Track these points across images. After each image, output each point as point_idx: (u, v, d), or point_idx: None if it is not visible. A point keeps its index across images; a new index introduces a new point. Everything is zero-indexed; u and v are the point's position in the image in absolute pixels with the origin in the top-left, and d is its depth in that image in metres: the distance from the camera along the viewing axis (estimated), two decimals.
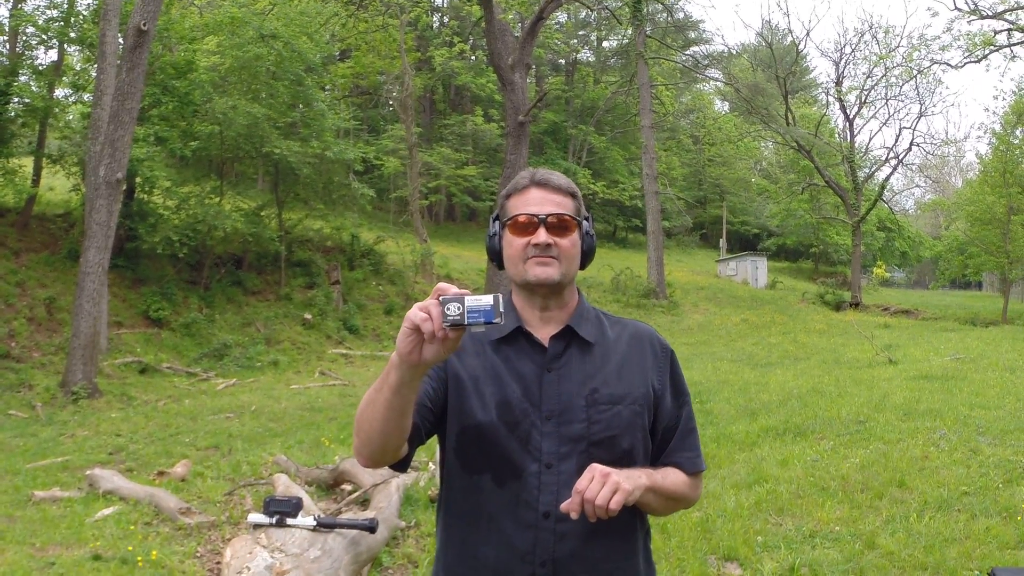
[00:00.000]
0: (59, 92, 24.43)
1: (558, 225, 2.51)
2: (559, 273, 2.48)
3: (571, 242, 2.53)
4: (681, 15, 59.86)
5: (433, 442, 2.59)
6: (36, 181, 23.48)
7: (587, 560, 2.44)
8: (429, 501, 8.16)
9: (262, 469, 9.84)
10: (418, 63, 43.95)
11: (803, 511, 7.55)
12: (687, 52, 56.83)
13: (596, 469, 2.28)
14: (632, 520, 2.52)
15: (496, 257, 2.65)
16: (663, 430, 2.58)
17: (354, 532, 6.18)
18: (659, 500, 2.49)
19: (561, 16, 58.16)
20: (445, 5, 57.53)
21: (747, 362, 20.42)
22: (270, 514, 4.83)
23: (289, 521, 4.74)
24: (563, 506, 2.29)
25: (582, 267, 2.61)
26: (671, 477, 2.54)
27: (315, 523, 4.78)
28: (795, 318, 33.07)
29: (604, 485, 2.24)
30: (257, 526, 4.84)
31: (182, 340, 20.98)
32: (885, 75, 43.19)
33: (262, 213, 25.97)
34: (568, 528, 2.40)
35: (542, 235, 2.49)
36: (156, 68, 21.99)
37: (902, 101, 68.29)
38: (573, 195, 2.61)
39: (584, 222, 2.61)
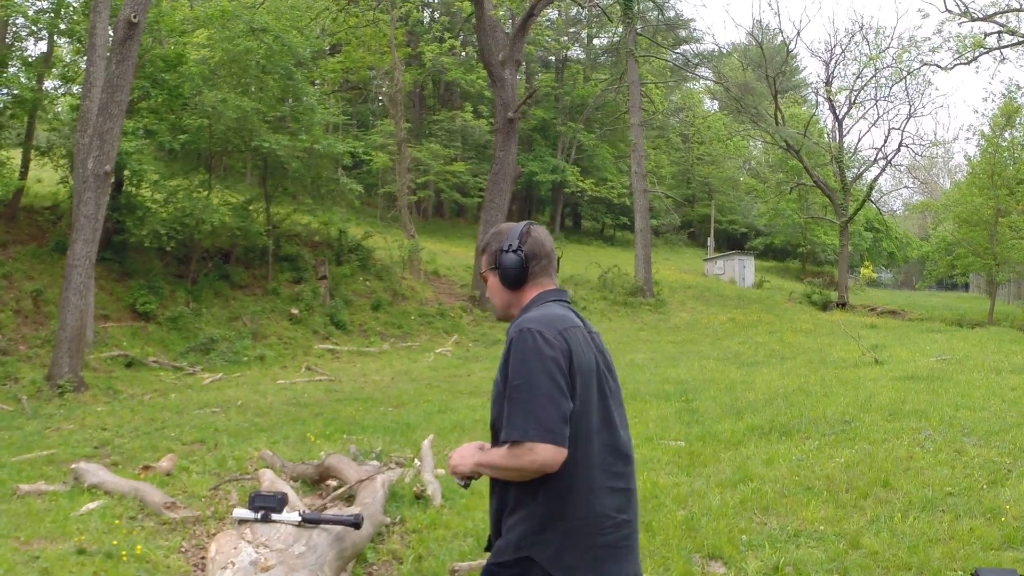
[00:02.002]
0: (48, 84, 24.34)
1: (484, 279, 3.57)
2: (496, 312, 3.57)
3: (490, 285, 3.51)
4: (672, 13, 60.00)
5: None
6: (24, 173, 23.41)
7: (490, 508, 3.39)
8: (414, 497, 8.17)
9: (248, 464, 9.83)
10: (408, 58, 43.91)
11: (788, 510, 7.57)
12: (677, 50, 57.01)
13: (453, 453, 3.35)
14: (495, 484, 3.30)
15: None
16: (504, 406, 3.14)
17: (339, 528, 6.19)
18: (489, 471, 3.20)
19: (552, 13, 58.17)
20: (436, 0, 57.48)
21: (733, 361, 20.45)
22: (255, 509, 4.85)
23: (274, 517, 4.76)
24: None
25: (511, 288, 3.43)
26: (493, 452, 3.19)
27: (300, 519, 4.80)
28: (782, 318, 33.13)
29: (452, 467, 3.33)
30: (242, 521, 4.85)
31: (169, 334, 20.93)
32: (875, 76, 43.25)
33: (250, 207, 25.91)
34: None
35: None
36: (146, 61, 21.92)
37: (891, 102, 68.56)
38: (483, 251, 3.55)
39: (496, 264, 3.45)
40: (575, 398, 3.12)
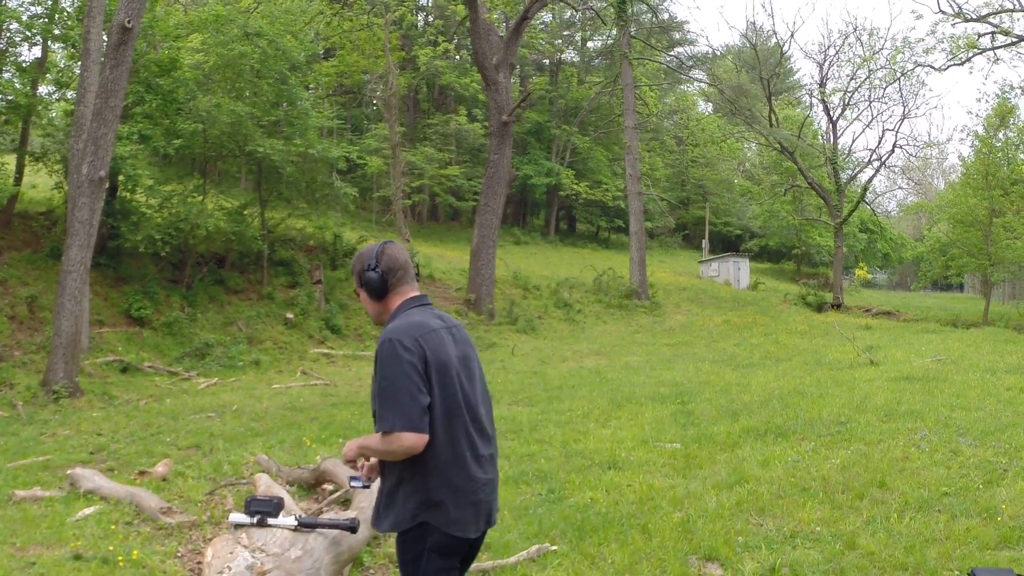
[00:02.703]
0: (42, 89, 24.30)
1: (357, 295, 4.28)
2: (373, 320, 4.28)
3: (363, 299, 4.22)
4: (666, 16, 60.09)
5: None
6: (18, 179, 23.35)
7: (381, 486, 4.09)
8: None
9: (243, 469, 9.83)
10: (402, 62, 43.91)
11: (784, 511, 7.58)
12: (671, 53, 57.00)
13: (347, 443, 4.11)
14: (384, 465, 4.04)
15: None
16: None
17: (335, 532, 6.19)
18: (370, 452, 3.99)
19: (546, 16, 58.28)
20: (430, 4, 57.50)
21: (729, 363, 20.47)
22: (251, 514, 4.86)
23: (270, 521, 4.77)
24: None
25: (377, 299, 4.15)
26: (371, 438, 3.94)
27: (296, 523, 4.81)
28: (777, 319, 33.15)
29: (344, 454, 4.09)
30: (238, 526, 4.86)
31: (164, 339, 20.91)
32: (869, 77, 43.22)
33: (245, 212, 25.86)
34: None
35: None
36: (140, 66, 21.89)
37: (885, 103, 68.35)
38: (352, 270, 4.25)
39: (361, 283, 4.17)
40: (432, 392, 3.89)
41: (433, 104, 57.96)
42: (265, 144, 23.95)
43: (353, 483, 4.24)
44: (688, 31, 69.25)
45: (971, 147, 51.99)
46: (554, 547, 6.89)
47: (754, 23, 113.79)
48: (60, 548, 6.94)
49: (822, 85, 46.34)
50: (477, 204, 35.11)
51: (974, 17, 34.73)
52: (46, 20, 22.71)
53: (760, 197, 58.00)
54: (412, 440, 3.77)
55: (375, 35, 34.98)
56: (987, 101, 64.54)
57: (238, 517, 5.09)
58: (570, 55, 65.95)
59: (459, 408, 3.99)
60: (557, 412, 13.51)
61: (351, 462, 4.11)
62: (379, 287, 4.11)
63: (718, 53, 65.81)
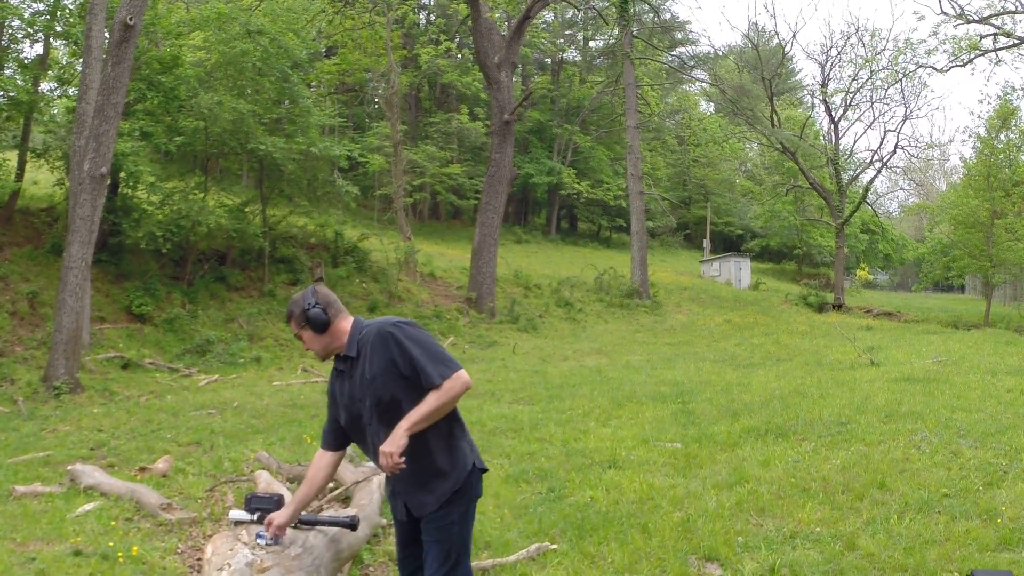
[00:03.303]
0: (44, 86, 24.29)
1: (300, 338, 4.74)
2: (319, 356, 4.74)
3: (307, 339, 4.65)
4: (668, 16, 59.99)
5: None
6: (20, 175, 23.37)
7: (404, 474, 4.43)
8: None
9: (244, 466, 9.83)
10: (404, 61, 43.87)
11: (784, 512, 7.58)
12: (673, 53, 57.00)
13: (381, 449, 4.34)
14: (420, 444, 4.41)
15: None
16: (412, 373, 4.38)
17: (335, 529, 6.18)
18: (425, 423, 4.36)
19: (548, 15, 58.24)
20: (432, 3, 57.52)
21: (729, 363, 20.46)
22: (251, 511, 4.90)
23: (257, 501, 4.86)
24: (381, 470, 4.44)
25: (321, 332, 4.60)
26: (421, 407, 4.34)
27: (296, 521, 4.84)
28: (778, 319, 33.14)
29: (385, 459, 4.31)
30: (238, 523, 4.88)
31: (165, 336, 20.92)
32: (871, 78, 43.23)
33: (246, 209, 25.86)
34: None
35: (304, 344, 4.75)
36: (142, 63, 21.91)
37: (887, 104, 68.16)
38: (290, 319, 4.68)
39: (307, 322, 4.59)
40: None
41: (435, 103, 57.95)
42: (267, 142, 23.97)
43: (259, 539, 4.84)
44: (690, 31, 69.37)
45: (973, 148, 51.91)
46: (554, 546, 6.89)
47: (756, 23, 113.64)
48: (60, 544, 6.94)
49: (824, 86, 46.41)
50: (478, 203, 35.13)
51: (976, 18, 34.73)
52: (48, 17, 22.71)
53: (761, 197, 58.03)
54: (466, 376, 4.42)
55: (377, 33, 34.95)
56: (989, 103, 64.45)
57: (238, 514, 5.11)
58: (572, 54, 65.94)
59: None
60: (558, 411, 13.51)
61: (393, 456, 4.34)
62: (323, 321, 4.59)
63: (720, 53, 65.82)
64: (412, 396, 4.40)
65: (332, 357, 4.73)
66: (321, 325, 4.59)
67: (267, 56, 24.57)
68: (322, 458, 4.99)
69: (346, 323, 4.67)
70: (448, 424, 4.52)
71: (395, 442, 4.31)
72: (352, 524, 5.10)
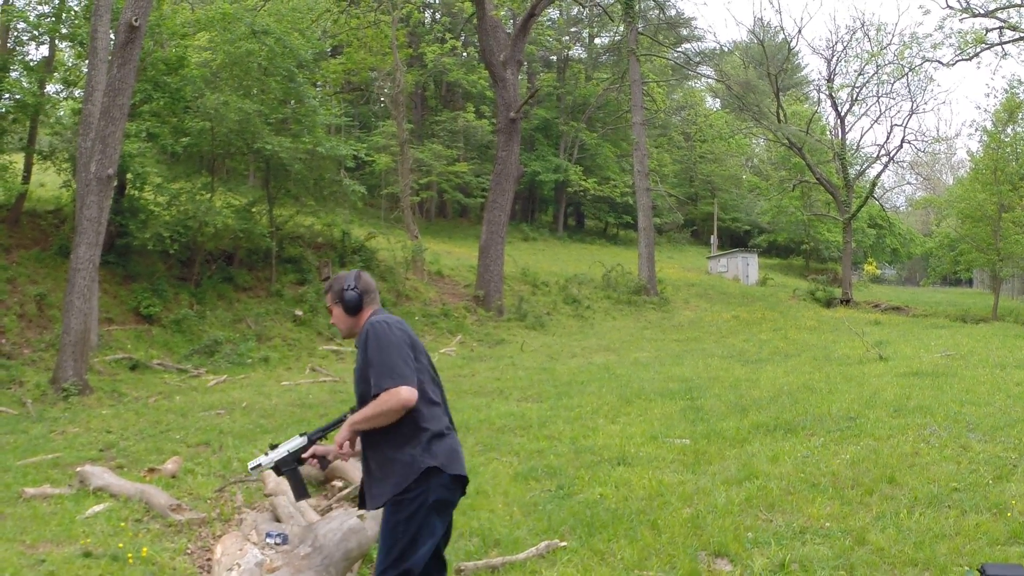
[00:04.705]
0: (50, 88, 24.30)
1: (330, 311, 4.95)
2: (342, 335, 4.95)
3: (336, 315, 4.88)
4: (673, 12, 59.93)
5: None
6: (27, 177, 23.41)
7: (365, 465, 4.73)
8: None
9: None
10: (410, 59, 43.95)
11: (793, 507, 7.56)
12: (679, 49, 56.81)
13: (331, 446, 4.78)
14: (373, 438, 4.60)
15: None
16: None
17: (344, 530, 6.19)
18: (365, 425, 4.52)
19: (553, 13, 58.31)
20: (437, 1, 57.52)
21: (738, 359, 20.43)
22: (265, 454, 5.01)
23: (280, 447, 4.93)
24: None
25: (351, 315, 4.83)
26: (363, 410, 4.51)
27: (304, 438, 4.98)
28: (786, 315, 33.11)
29: (338, 444, 4.63)
30: (254, 468, 5.02)
31: (173, 337, 20.94)
32: (877, 72, 43.18)
33: (253, 209, 25.87)
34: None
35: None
36: (147, 64, 21.92)
37: (893, 99, 67.86)
38: (328, 291, 4.91)
39: (340, 300, 4.82)
40: (417, 355, 4.61)
41: (441, 101, 58.00)
42: (273, 141, 23.99)
43: (268, 539, 4.92)
44: (695, 27, 69.29)
45: (979, 142, 51.92)
46: (563, 543, 6.88)
47: (761, 19, 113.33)
48: (70, 545, 6.96)
49: (830, 81, 46.30)
50: (485, 201, 35.15)
51: (982, 12, 34.71)
52: (53, 19, 22.75)
53: (768, 193, 57.98)
54: (407, 392, 4.40)
55: (382, 32, 34.97)
56: (995, 96, 64.44)
57: (254, 462, 5.13)
58: (577, 51, 65.91)
59: (433, 380, 4.76)
60: (566, 408, 13.50)
61: (341, 447, 4.64)
62: (356, 304, 4.81)
63: (726, 49, 65.68)
64: (368, 396, 4.59)
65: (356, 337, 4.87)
66: (353, 308, 4.81)
67: (273, 56, 24.60)
68: None
69: (367, 314, 4.84)
70: (400, 426, 4.53)
71: (341, 435, 4.61)
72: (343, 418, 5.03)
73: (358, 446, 4.72)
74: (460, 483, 4.69)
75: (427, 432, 4.56)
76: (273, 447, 5.00)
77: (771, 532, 6.94)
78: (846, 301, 40.22)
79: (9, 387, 15.97)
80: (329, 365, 20.76)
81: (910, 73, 41.39)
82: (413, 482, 4.48)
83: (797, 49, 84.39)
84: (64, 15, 22.74)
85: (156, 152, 24.00)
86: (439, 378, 4.88)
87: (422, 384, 4.58)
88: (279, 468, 4.96)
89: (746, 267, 49.57)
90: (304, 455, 4.96)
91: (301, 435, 5.02)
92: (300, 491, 4.97)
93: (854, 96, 44.97)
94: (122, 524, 7.51)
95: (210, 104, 23.21)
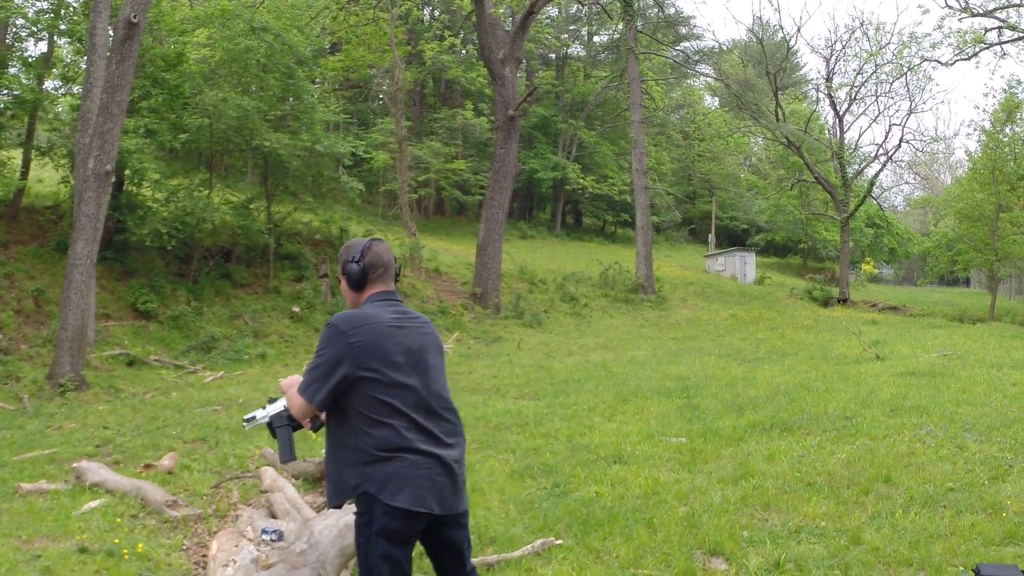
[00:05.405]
0: (49, 84, 24.31)
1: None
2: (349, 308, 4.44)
3: (343, 287, 4.51)
4: (672, 10, 59.99)
5: None
6: (25, 173, 23.42)
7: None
8: None
9: (249, 462, 9.85)
10: (408, 57, 43.91)
11: (789, 506, 7.57)
12: (678, 47, 56.79)
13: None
14: (329, 436, 4.29)
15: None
16: None
17: (340, 526, 6.20)
18: (290, 398, 4.31)
19: (552, 11, 58.21)
20: None
21: (735, 357, 20.45)
22: (263, 408, 4.91)
23: (277, 401, 4.82)
24: None
25: (355, 290, 4.43)
26: (294, 389, 4.28)
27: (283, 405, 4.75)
28: (783, 314, 33.12)
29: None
30: (248, 420, 4.92)
31: (170, 333, 20.95)
32: (875, 72, 43.19)
33: (251, 206, 25.89)
34: None
35: None
36: (146, 60, 21.92)
37: (892, 98, 68.31)
38: (339, 257, 4.51)
39: (343, 272, 4.44)
40: (368, 368, 4.09)
41: (439, 98, 57.96)
42: (271, 138, 24.00)
43: (264, 535, 4.81)
44: (694, 26, 69.41)
45: (978, 142, 51.91)
46: (559, 541, 6.89)
47: (760, 18, 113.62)
48: (66, 541, 6.96)
49: (829, 80, 46.31)
50: (483, 198, 35.13)
51: (981, 12, 34.70)
52: (52, 15, 22.75)
53: (766, 192, 58.00)
54: (300, 404, 4.18)
55: (381, 29, 34.95)
56: (994, 96, 64.43)
57: (249, 415, 5.04)
58: (576, 49, 65.88)
59: (400, 390, 4.16)
60: (563, 406, 13.51)
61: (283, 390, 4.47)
62: (358, 279, 4.40)
63: (724, 48, 65.58)
64: None
65: None
66: (355, 282, 4.41)
67: (271, 53, 24.60)
68: None
69: (370, 293, 4.44)
70: (343, 441, 4.19)
71: (286, 381, 4.51)
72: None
73: None
74: (409, 514, 4.09)
75: (367, 453, 4.07)
76: (272, 401, 4.84)
77: (766, 531, 6.95)
78: (843, 300, 40.23)
79: (6, 382, 15.97)
80: None
81: (909, 72, 41.41)
82: (358, 504, 4.15)
83: (796, 48, 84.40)
84: (63, 11, 22.73)
85: (154, 148, 24.03)
86: (437, 387, 4.35)
87: (389, 397, 4.10)
88: (272, 424, 4.69)
89: (744, 266, 49.57)
90: None
91: None
92: (287, 452, 4.65)
93: (853, 95, 45.00)
94: (118, 520, 7.51)
95: (208, 100, 23.21)
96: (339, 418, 4.20)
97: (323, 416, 4.32)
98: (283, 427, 4.63)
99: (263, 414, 4.74)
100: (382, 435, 4.08)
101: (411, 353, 4.27)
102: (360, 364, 4.09)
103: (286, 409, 4.58)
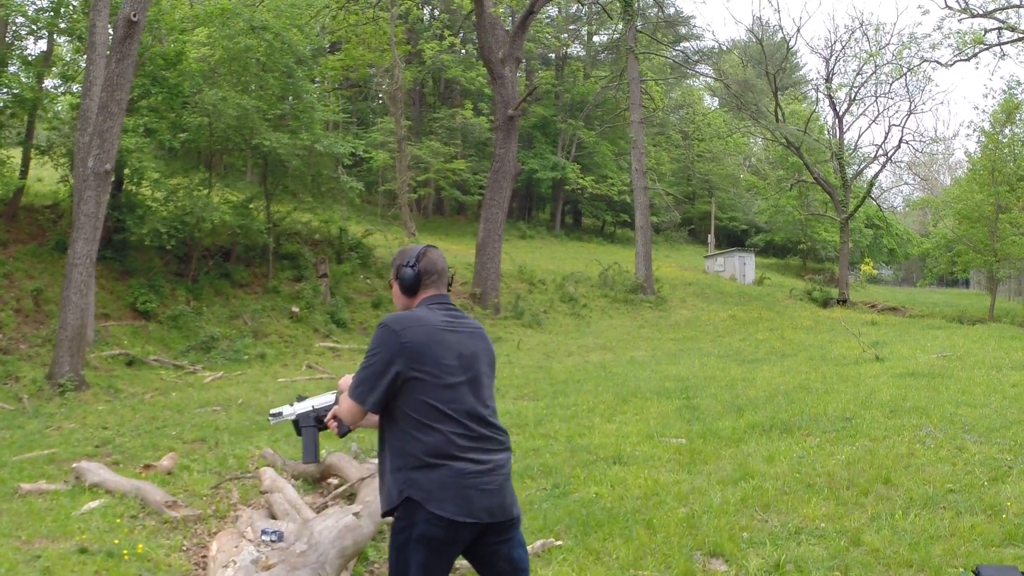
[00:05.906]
0: (48, 83, 24.30)
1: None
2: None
3: (394, 292, 4.40)
4: (672, 10, 59.92)
5: None
6: (24, 172, 23.41)
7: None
8: None
9: (248, 462, 9.85)
10: (408, 56, 43.91)
11: (789, 507, 7.57)
12: (677, 47, 56.79)
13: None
14: (380, 439, 4.19)
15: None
16: None
17: (340, 527, 6.20)
18: (342, 401, 4.21)
19: (552, 10, 58.13)
20: None
21: (734, 358, 20.45)
22: (291, 404, 4.90)
23: (306, 400, 4.80)
24: None
25: (408, 295, 4.31)
26: (344, 394, 4.20)
27: (333, 395, 4.69)
28: (782, 314, 33.12)
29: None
30: (274, 415, 4.91)
31: (169, 332, 20.94)
32: (875, 72, 43.22)
33: (250, 205, 25.89)
34: None
35: None
36: (146, 59, 21.91)
37: (892, 99, 68.43)
38: (393, 262, 4.44)
39: (396, 276, 4.34)
40: (420, 369, 3.99)
41: (439, 98, 57.93)
42: (271, 138, 24.00)
43: (264, 536, 4.76)
44: (694, 26, 69.48)
45: (977, 143, 51.95)
46: (559, 542, 6.89)
47: (760, 18, 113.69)
48: (65, 541, 6.95)
49: (828, 80, 46.32)
50: (483, 198, 35.12)
51: (980, 13, 34.71)
52: (52, 14, 22.74)
53: (766, 192, 58.00)
54: (351, 407, 4.08)
55: (381, 29, 34.97)
56: (993, 97, 64.50)
57: (276, 410, 5.01)
58: (576, 49, 65.84)
59: (450, 394, 4.03)
60: (562, 407, 13.51)
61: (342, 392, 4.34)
62: (411, 284, 4.30)
63: (724, 48, 65.56)
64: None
65: None
66: (408, 287, 4.31)
67: (271, 52, 24.60)
68: None
69: (422, 298, 4.32)
70: (391, 445, 4.07)
71: (343, 380, 4.42)
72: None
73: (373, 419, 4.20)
74: (453, 524, 3.93)
75: (414, 458, 3.94)
76: (301, 399, 4.79)
77: (766, 532, 6.95)
78: (843, 301, 40.23)
79: (5, 382, 15.96)
80: (326, 362, 20.77)
81: (908, 73, 41.41)
82: (396, 510, 3.99)
83: (795, 48, 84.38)
84: (63, 10, 22.74)
85: (154, 147, 24.02)
86: (486, 394, 4.23)
87: (404, 410, 3.98)
88: (297, 423, 4.65)
89: (743, 266, 49.56)
90: (327, 416, 4.45)
91: (331, 391, 4.78)
92: (311, 453, 4.66)
93: (852, 96, 45.03)
94: (118, 520, 7.51)
95: (208, 100, 23.20)
96: (387, 422, 4.11)
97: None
98: (309, 427, 4.63)
99: (290, 411, 4.71)
100: (432, 441, 3.96)
101: (463, 358, 4.15)
102: (412, 363, 3.99)
103: (313, 409, 4.60)
